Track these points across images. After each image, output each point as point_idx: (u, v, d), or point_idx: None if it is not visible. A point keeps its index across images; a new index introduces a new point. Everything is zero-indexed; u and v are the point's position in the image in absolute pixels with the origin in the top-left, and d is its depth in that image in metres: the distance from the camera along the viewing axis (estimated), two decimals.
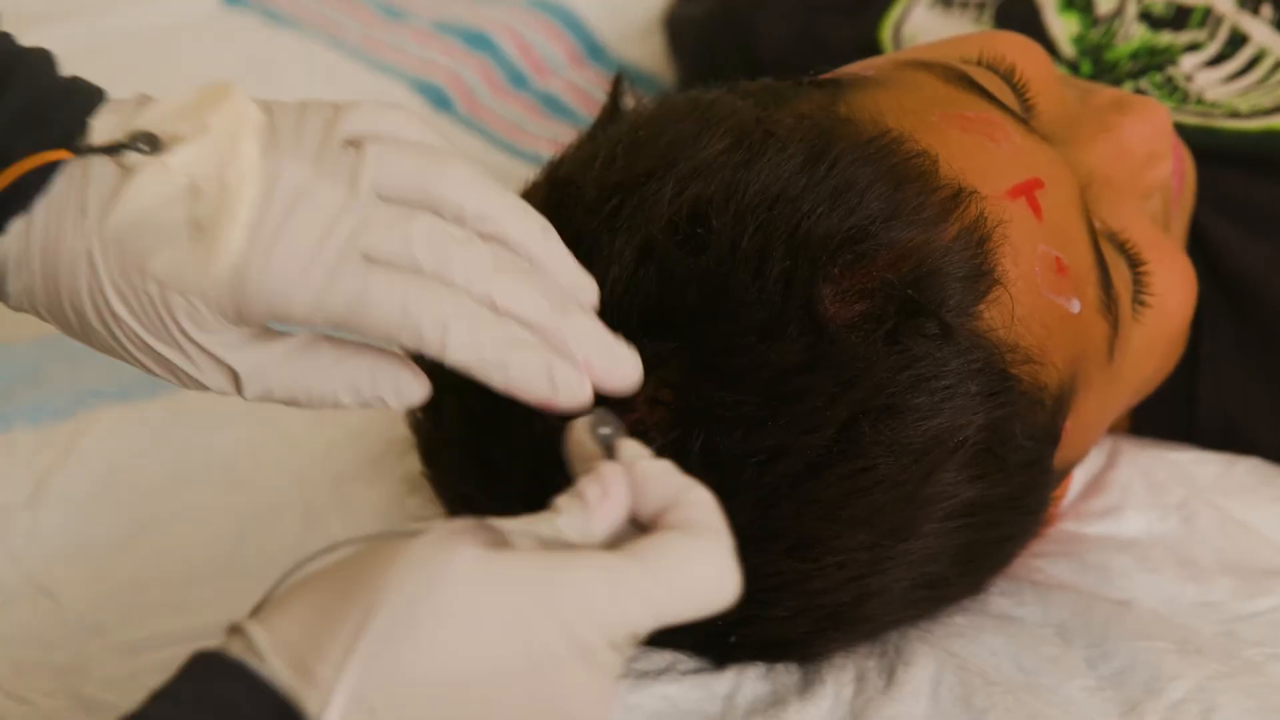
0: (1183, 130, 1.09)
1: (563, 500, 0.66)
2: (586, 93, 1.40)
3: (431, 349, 0.69)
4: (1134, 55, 1.18)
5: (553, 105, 1.42)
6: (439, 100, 1.38)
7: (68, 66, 0.73)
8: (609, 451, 0.68)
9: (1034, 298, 0.82)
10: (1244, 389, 1.05)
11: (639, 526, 0.67)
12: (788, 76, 0.88)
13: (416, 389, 0.73)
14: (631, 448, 0.68)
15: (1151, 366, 0.94)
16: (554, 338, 0.69)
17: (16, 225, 0.70)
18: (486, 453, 0.81)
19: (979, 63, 0.90)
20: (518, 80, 1.43)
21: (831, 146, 0.79)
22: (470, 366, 0.69)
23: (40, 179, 0.70)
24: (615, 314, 0.74)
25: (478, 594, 0.62)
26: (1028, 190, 0.83)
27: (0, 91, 0.70)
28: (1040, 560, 0.96)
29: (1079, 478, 1.02)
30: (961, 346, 0.78)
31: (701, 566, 0.64)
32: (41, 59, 0.73)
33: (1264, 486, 1.02)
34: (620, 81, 0.91)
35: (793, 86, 0.87)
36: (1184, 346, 0.99)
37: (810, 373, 0.76)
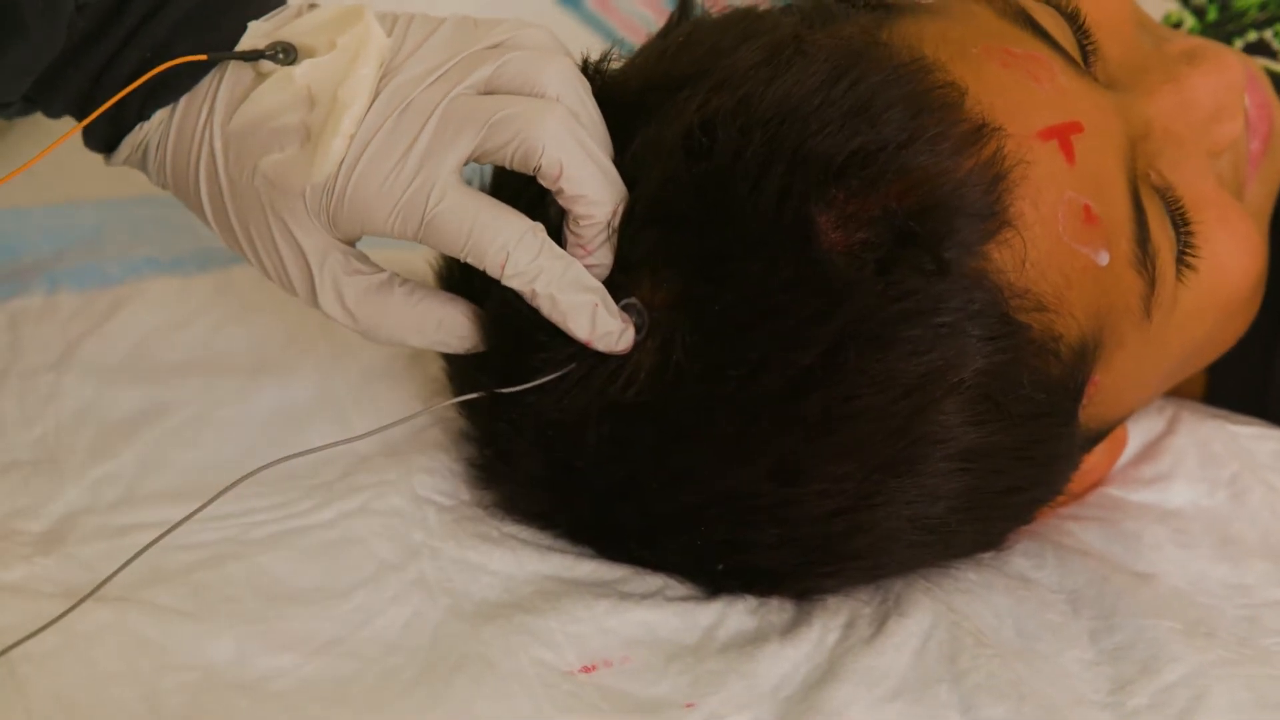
0: None
1: None
2: None
3: (492, 271, 0.76)
4: (1264, 5, 1.12)
5: None
6: None
7: None
8: None
9: (1053, 244, 0.79)
10: None
11: None
12: None
13: (479, 337, 0.80)
14: None
15: (1202, 332, 0.89)
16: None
17: (160, 114, 0.79)
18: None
19: (1045, 0, 0.87)
20: None
21: (855, 67, 0.77)
22: (524, 294, 0.76)
23: (192, 76, 0.79)
24: (631, 208, 0.78)
25: None
26: (1062, 133, 0.80)
27: None
28: (1073, 523, 0.93)
29: (1135, 442, 0.99)
30: (960, 285, 0.76)
31: None
32: None
33: None
34: None
35: (846, 8, 0.85)
36: (1252, 316, 0.94)
37: (793, 291, 0.75)
